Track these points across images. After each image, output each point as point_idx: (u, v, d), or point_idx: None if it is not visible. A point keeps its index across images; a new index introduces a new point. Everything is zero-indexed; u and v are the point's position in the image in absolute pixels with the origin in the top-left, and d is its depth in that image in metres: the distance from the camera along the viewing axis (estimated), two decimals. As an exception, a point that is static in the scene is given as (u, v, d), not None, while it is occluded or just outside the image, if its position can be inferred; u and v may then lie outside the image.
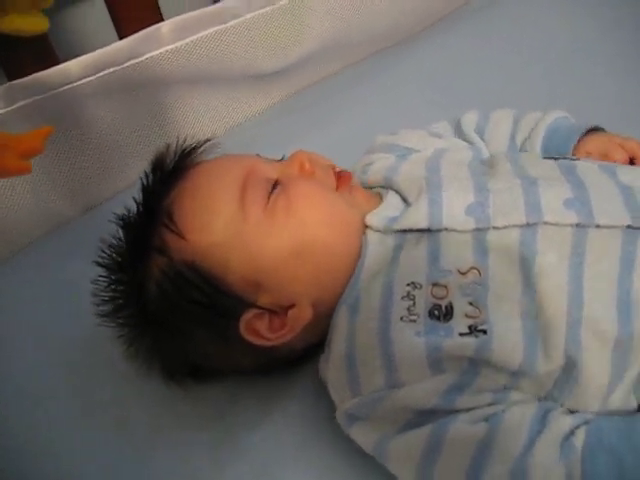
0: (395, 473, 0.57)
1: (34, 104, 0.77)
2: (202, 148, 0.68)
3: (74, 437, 0.67)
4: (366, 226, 0.62)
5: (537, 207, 0.57)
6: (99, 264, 0.64)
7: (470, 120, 0.76)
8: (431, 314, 0.56)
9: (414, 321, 0.57)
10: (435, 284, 0.57)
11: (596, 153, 0.71)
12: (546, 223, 0.56)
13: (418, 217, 0.60)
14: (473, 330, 0.55)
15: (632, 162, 0.70)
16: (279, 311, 0.61)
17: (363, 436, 0.58)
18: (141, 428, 0.67)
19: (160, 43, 0.83)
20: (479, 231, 0.58)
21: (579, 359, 0.54)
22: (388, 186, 0.66)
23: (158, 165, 0.65)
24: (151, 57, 0.82)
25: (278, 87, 0.99)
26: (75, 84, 0.79)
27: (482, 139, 0.74)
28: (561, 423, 0.53)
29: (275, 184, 0.62)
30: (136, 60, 0.81)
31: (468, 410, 0.55)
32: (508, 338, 0.55)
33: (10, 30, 0.48)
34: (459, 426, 0.54)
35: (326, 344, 0.62)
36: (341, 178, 0.65)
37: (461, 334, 0.55)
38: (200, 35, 0.85)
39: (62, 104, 0.79)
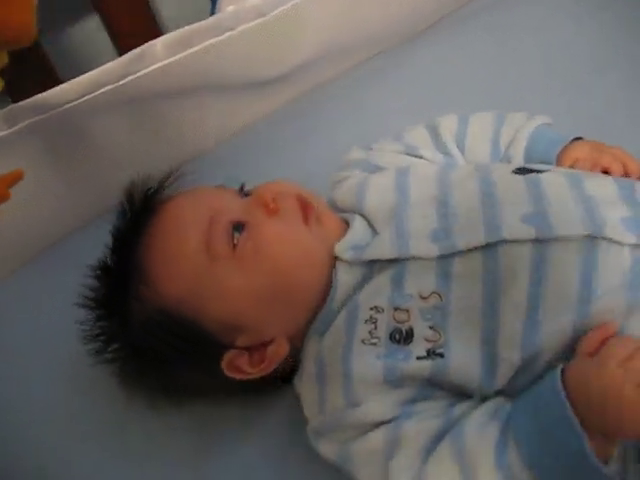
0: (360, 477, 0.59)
1: (35, 124, 0.80)
2: (168, 182, 0.71)
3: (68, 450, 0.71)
4: (335, 256, 0.64)
5: (496, 226, 0.58)
6: (81, 305, 0.68)
7: (448, 127, 0.76)
8: (392, 337, 0.59)
9: (375, 344, 0.59)
10: (397, 308, 0.59)
11: (586, 160, 0.71)
12: (505, 241, 0.57)
13: (384, 248, 0.62)
14: (431, 353, 0.57)
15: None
16: (258, 346, 0.64)
17: (327, 448, 0.61)
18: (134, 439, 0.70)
19: (155, 59, 0.85)
20: (443, 257, 0.59)
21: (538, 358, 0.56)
22: (356, 211, 0.68)
23: (127, 206, 0.69)
24: (146, 74, 0.85)
25: (275, 95, 1.01)
26: (73, 103, 0.82)
27: (462, 146, 0.75)
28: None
29: (240, 225, 0.63)
30: (132, 77, 0.84)
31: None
32: (465, 362, 0.57)
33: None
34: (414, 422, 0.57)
35: (300, 362, 0.64)
36: (307, 210, 0.66)
37: (419, 357, 0.57)
38: (194, 50, 0.87)
39: (63, 122, 0.83)
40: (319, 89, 1.04)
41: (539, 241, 0.57)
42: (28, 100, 0.80)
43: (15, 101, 0.80)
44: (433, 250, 0.60)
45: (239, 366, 0.64)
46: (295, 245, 0.64)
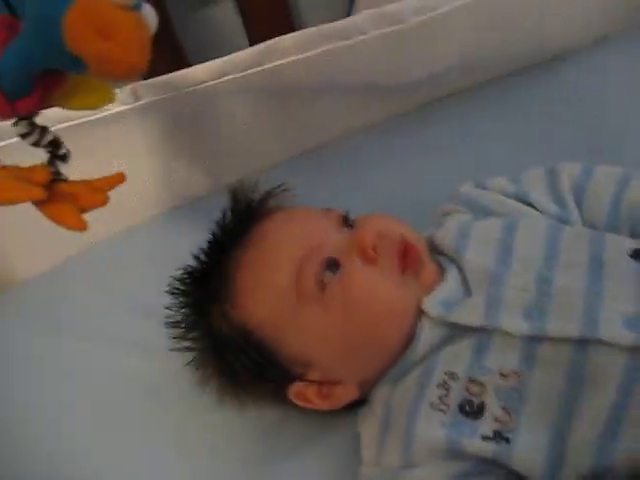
0: None
1: (159, 102, 0.82)
2: (274, 192, 0.71)
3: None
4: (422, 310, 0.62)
5: (593, 321, 0.55)
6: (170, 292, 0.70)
7: (568, 175, 0.71)
8: (461, 408, 0.57)
9: (443, 411, 0.57)
10: (472, 380, 0.57)
11: None
12: (601, 342, 0.54)
13: (473, 316, 0.59)
14: (497, 436, 0.55)
15: None
16: (328, 381, 0.65)
17: None
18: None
19: (284, 54, 0.85)
20: (531, 338, 0.57)
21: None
22: (454, 260, 0.65)
23: (230, 212, 0.70)
24: (273, 67, 0.85)
25: (393, 102, 0.99)
26: (198, 87, 0.83)
27: (580, 200, 0.70)
28: None
29: (334, 265, 0.62)
30: (259, 68, 0.85)
31: None
32: (530, 454, 0.55)
33: (78, 108, 0.51)
34: None
35: (368, 401, 0.64)
36: (408, 261, 0.63)
37: (484, 437, 0.55)
38: (322, 50, 0.86)
39: (186, 104, 0.84)
40: (438, 103, 1.01)
41: (637, 349, 0.53)
42: (156, 78, 0.82)
43: (144, 79, 0.82)
44: (523, 328, 0.57)
45: (307, 396, 0.65)
46: (385, 301, 0.62)
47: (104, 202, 0.51)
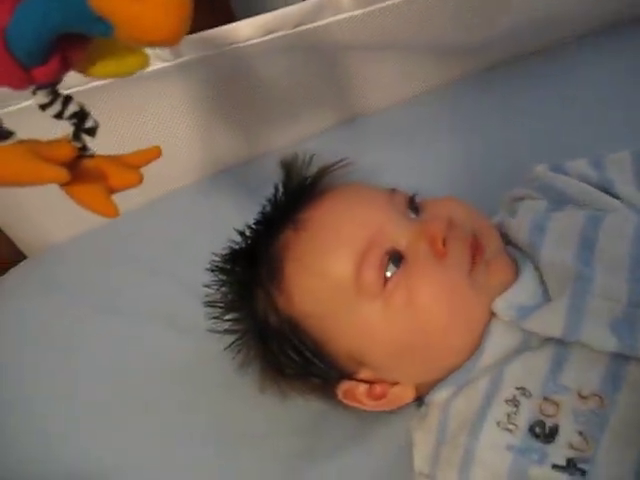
0: None
1: (199, 60, 0.75)
2: (334, 169, 0.64)
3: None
4: (493, 312, 0.55)
5: None
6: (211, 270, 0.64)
7: None
8: (531, 430, 0.50)
9: (510, 431, 0.51)
10: (546, 399, 0.50)
11: None
12: None
13: (553, 324, 0.52)
14: (571, 466, 0.48)
15: None
16: (381, 381, 0.58)
17: None
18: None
19: (337, 10, 0.77)
20: (618, 356, 0.49)
21: None
22: (529, 256, 0.58)
23: (281, 187, 0.63)
24: (326, 24, 0.77)
25: (458, 64, 0.90)
26: (243, 44, 0.76)
27: None
28: None
29: (398, 258, 0.55)
30: (308, 26, 0.77)
31: None
32: None
33: (106, 75, 0.43)
34: None
35: (424, 402, 0.58)
36: (477, 257, 0.56)
37: (555, 466, 0.49)
38: (381, 5, 0.78)
39: (230, 61, 0.77)
40: (507, 66, 0.91)
41: None
42: (199, 34, 0.75)
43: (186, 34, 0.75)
44: (610, 344, 0.50)
45: (356, 395, 0.59)
46: (451, 302, 0.55)
47: (137, 181, 0.45)
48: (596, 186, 0.62)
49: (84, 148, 0.45)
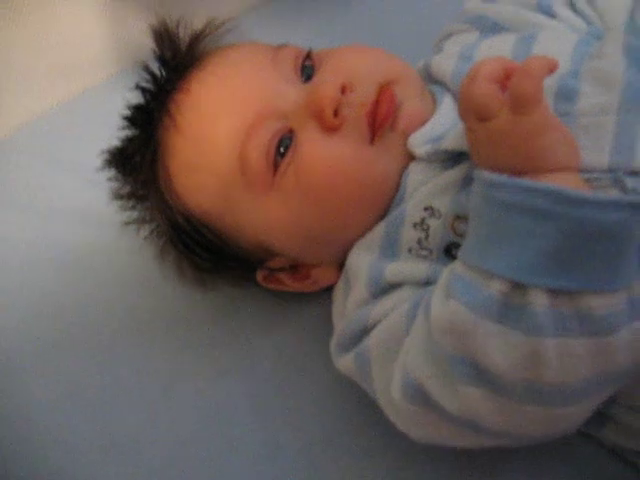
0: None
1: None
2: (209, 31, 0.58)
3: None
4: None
5: (628, 149, 0.44)
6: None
7: None
8: (448, 252, 0.47)
9: (425, 257, 0.47)
10: (459, 217, 0.46)
11: None
12: (635, 173, 0.43)
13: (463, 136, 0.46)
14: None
15: None
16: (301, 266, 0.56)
17: (346, 358, 0.51)
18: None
19: None
20: None
21: None
22: (450, 87, 0.53)
23: (156, 60, 0.57)
24: None
25: None
26: None
27: (595, 7, 0.56)
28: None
29: (288, 139, 0.50)
30: None
31: None
32: None
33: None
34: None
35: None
36: (378, 118, 0.50)
37: None
38: None
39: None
40: None
41: None
42: None
43: None
44: None
45: (278, 279, 0.56)
46: (348, 181, 0.49)
47: None
48: (533, 9, 0.57)
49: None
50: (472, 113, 0.41)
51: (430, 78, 0.56)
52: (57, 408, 0.61)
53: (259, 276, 0.57)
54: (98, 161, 0.66)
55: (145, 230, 0.63)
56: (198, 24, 0.59)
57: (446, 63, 0.54)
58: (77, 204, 0.71)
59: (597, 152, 0.44)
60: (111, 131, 0.73)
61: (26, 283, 0.67)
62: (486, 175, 0.38)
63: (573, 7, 0.57)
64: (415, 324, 0.44)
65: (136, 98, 0.58)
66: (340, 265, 0.55)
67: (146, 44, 0.77)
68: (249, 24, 0.71)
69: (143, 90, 0.57)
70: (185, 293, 0.64)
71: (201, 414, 0.60)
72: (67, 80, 0.78)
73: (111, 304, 0.66)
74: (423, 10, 0.74)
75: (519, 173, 0.39)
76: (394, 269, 0.48)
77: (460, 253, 0.41)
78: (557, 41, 0.52)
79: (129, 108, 0.57)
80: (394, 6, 0.76)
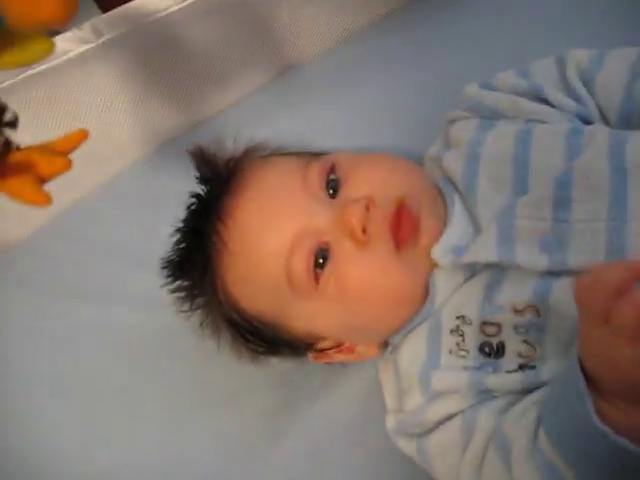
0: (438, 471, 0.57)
1: (122, 36, 0.75)
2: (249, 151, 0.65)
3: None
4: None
5: (619, 248, 0.50)
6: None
7: (577, 62, 0.62)
8: (482, 350, 0.54)
9: (463, 357, 0.55)
10: (485, 322, 0.54)
11: None
12: None
13: (487, 252, 0.54)
14: (523, 367, 0.52)
15: None
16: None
17: (406, 445, 0.59)
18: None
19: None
20: (550, 272, 0.52)
21: None
22: (462, 192, 0.59)
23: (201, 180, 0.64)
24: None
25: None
26: (163, 14, 0.76)
27: (591, 89, 0.62)
28: None
29: (325, 253, 0.57)
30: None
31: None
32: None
33: (12, 66, 0.42)
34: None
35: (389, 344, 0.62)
36: (403, 232, 0.56)
37: (508, 371, 0.53)
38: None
39: (152, 34, 0.77)
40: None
41: None
42: (116, 10, 0.75)
43: (105, 11, 0.75)
44: (542, 261, 0.53)
45: (328, 354, 0.63)
46: (382, 285, 0.57)
47: (66, 167, 0.45)
48: (526, 94, 0.62)
49: (7, 143, 0.45)
50: (594, 319, 0.42)
51: (441, 170, 0.62)
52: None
53: (310, 356, 0.64)
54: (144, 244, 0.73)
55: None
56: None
57: (455, 164, 0.60)
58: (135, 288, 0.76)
59: (594, 255, 0.51)
60: (146, 212, 0.81)
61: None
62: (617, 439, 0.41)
63: (567, 87, 0.62)
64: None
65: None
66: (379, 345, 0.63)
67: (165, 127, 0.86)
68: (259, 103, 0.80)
69: (192, 212, 0.64)
70: (241, 367, 0.68)
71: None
72: (95, 168, 0.83)
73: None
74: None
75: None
76: (439, 379, 0.55)
77: None
78: (551, 137, 0.58)
79: (181, 222, 0.64)
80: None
